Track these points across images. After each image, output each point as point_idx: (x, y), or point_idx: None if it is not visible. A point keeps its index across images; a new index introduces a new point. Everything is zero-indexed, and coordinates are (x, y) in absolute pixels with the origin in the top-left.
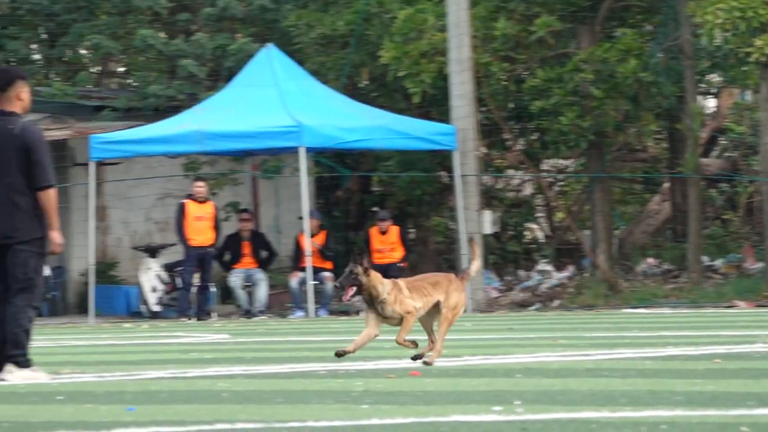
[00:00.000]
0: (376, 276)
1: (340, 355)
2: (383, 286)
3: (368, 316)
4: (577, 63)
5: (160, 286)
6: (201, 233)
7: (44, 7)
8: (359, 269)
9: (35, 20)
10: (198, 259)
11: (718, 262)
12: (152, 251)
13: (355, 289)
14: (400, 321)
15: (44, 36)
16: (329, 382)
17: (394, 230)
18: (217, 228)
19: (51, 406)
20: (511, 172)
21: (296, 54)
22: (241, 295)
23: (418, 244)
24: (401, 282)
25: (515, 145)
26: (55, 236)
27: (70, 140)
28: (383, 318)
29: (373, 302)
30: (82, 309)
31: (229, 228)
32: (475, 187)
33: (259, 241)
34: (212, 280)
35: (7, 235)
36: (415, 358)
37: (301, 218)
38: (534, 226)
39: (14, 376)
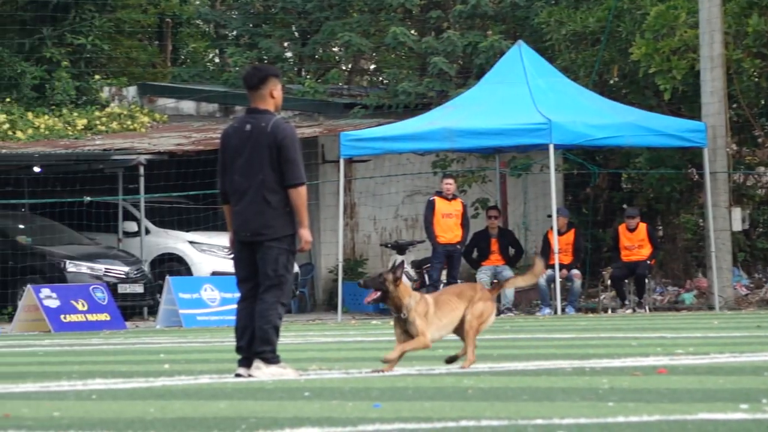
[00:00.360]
0: (405, 288)
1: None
2: (410, 299)
3: (396, 331)
4: None
5: (408, 283)
6: (449, 230)
7: (297, 5)
8: (390, 277)
9: (288, 18)
10: (446, 255)
11: None
12: (400, 248)
13: (379, 294)
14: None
15: (296, 34)
16: (575, 379)
17: (643, 227)
18: (465, 225)
19: (297, 402)
20: (761, 169)
21: (546, 51)
22: None
23: (667, 242)
24: (429, 298)
25: (766, 142)
26: (305, 234)
27: (320, 137)
28: (409, 333)
29: (398, 314)
30: (330, 306)
31: (477, 225)
32: (725, 185)
33: (506, 238)
34: (460, 276)
35: (258, 232)
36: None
37: (550, 216)
38: None
39: (262, 372)
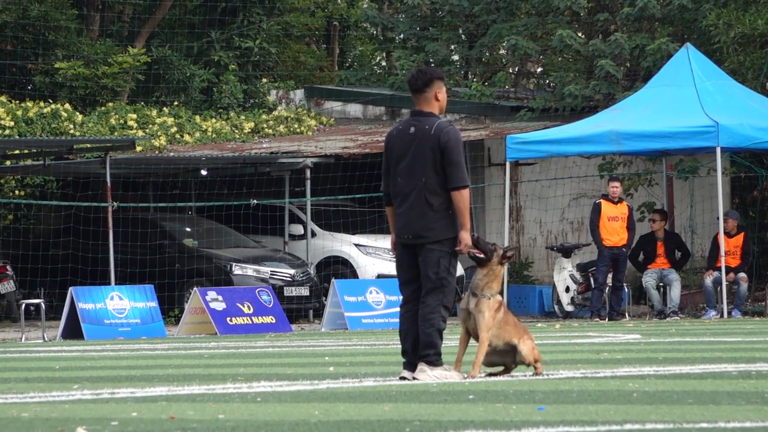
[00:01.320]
0: (501, 271)
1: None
2: (497, 286)
3: (461, 315)
4: None
5: (574, 286)
6: (615, 233)
7: (464, 8)
8: (500, 252)
9: (455, 21)
10: (611, 258)
11: None
12: (566, 251)
13: (482, 256)
14: (475, 332)
15: (463, 37)
16: (741, 383)
17: None
18: (631, 228)
19: (461, 405)
20: None
21: (714, 53)
22: (655, 295)
23: None
24: (505, 306)
25: None
26: (465, 237)
27: (487, 140)
28: (471, 320)
29: (474, 292)
30: None
31: (643, 228)
32: None
33: (673, 241)
34: (625, 280)
35: (420, 234)
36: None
37: (719, 218)
38: None
39: (427, 375)
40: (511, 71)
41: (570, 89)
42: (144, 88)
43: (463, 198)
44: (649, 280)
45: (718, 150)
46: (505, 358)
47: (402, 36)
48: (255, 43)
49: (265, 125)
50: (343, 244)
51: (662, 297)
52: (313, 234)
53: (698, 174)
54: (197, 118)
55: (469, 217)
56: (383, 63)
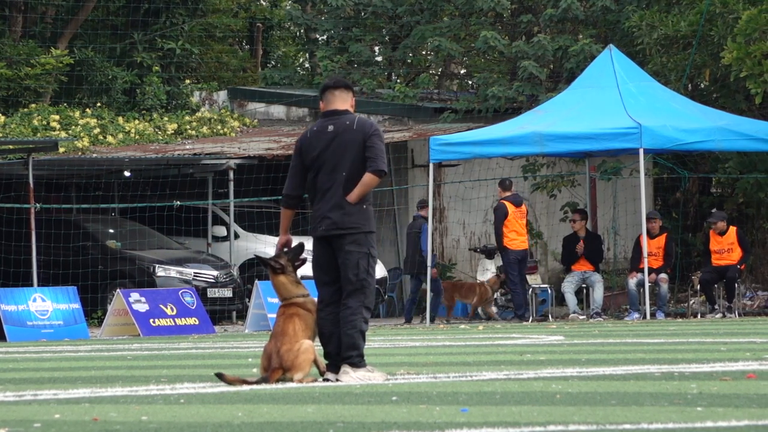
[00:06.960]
0: (287, 279)
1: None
2: (287, 291)
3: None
4: None
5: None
6: (519, 236)
7: (388, 9)
8: (281, 261)
9: (378, 22)
10: (519, 261)
11: None
12: (489, 253)
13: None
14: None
15: (387, 38)
16: (664, 384)
17: (733, 231)
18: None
19: (385, 407)
20: None
21: (637, 55)
22: (571, 299)
23: (758, 246)
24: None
25: None
26: (352, 197)
27: (410, 142)
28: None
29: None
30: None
31: (567, 229)
32: None
33: (592, 242)
34: (549, 281)
35: (335, 224)
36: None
37: (642, 220)
38: None
39: (350, 376)
40: (434, 72)
41: (493, 91)
42: (67, 89)
43: (373, 180)
44: (567, 284)
45: (641, 151)
46: None
47: (325, 37)
48: (178, 45)
49: (188, 126)
50: (267, 246)
51: (585, 298)
52: (237, 235)
53: (621, 175)
54: (120, 120)
55: (362, 194)
56: (306, 64)
